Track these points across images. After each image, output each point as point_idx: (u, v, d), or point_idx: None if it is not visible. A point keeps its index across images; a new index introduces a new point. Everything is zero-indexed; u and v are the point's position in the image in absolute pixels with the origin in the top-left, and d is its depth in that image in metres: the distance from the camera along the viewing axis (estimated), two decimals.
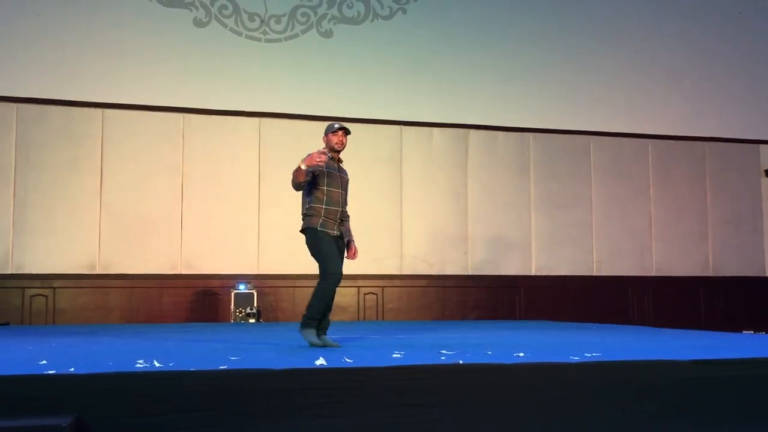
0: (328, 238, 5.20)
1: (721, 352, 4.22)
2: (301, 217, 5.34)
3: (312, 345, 4.98)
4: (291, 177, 5.15)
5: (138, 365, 3.48)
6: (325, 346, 5.01)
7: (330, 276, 5.12)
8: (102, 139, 9.66)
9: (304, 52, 10.34)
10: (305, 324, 5.11)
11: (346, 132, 5.39)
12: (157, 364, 3.49)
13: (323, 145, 5.42)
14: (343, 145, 5.37)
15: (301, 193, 5.35)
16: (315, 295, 5.14)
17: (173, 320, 9.54)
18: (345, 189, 5.38)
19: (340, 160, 5.44)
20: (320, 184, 5.21)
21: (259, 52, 10.22)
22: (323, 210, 5.21)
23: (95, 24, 9.72)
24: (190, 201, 9.83)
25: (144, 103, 9.76)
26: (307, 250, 5.29)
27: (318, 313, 5.12)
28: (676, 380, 3.63)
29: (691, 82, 11.61)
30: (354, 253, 5.41)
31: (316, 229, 5.20)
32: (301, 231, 5.31)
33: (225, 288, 9.68)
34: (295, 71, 10.26)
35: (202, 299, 9.76)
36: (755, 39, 11.86)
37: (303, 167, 5.04)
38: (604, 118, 11.22)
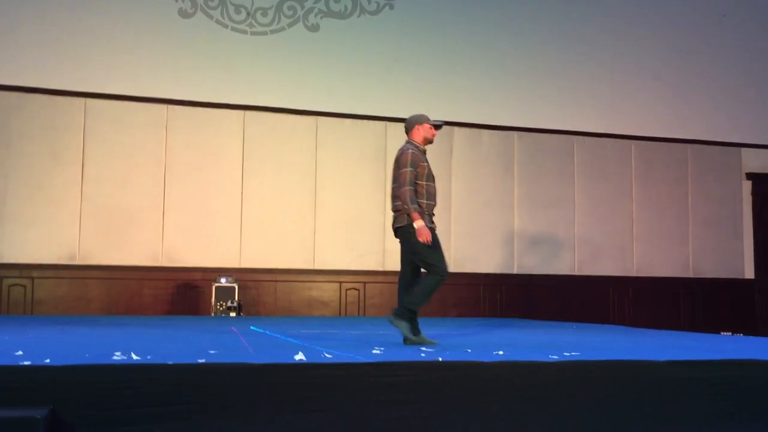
0: (434, 232, 4.98)
1: (698, 354, 4.25)
2: (393, 213, 5.08)
3: (407, 341, 4.71)
4: (402, 189, 4.92)
5: (115, 357, 3.45)
6: (422, 342, 4.85)
7: (440, 272, 4.91)
8: (84, 129, 9.58)
9: (290, 46, 10.30)
10: (400, 314, 4.86)
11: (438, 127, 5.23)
12: (134, 357, 3.46)
13: (412, 136, 5.16)
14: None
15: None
16: (421, 287, 4.91)
17: (153, 313, 9.48)
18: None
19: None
20: (419, 179, 5.00)
21: (245, 44, 10.16)
22: (425, 205, 5.00)
23: (79, 12, 9.62)
24: (173, 193, 9.77)
25: (127, 94, 9.68)
26: (401, 248, 5.06)
27: (417, 306, 4.91)
28: (652, 380, 3.66)
29: (675, 84, 11.68)
30: None
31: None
32: (398, 227, 5.03)
33: (206, 281, 9.64)
34: (281, 65, 10.22)
35: (183, 292, 9.71)
36: (739, 42, 11.94)
37: (418, 225, 4.83)
38: (588, 119, 11.26)
